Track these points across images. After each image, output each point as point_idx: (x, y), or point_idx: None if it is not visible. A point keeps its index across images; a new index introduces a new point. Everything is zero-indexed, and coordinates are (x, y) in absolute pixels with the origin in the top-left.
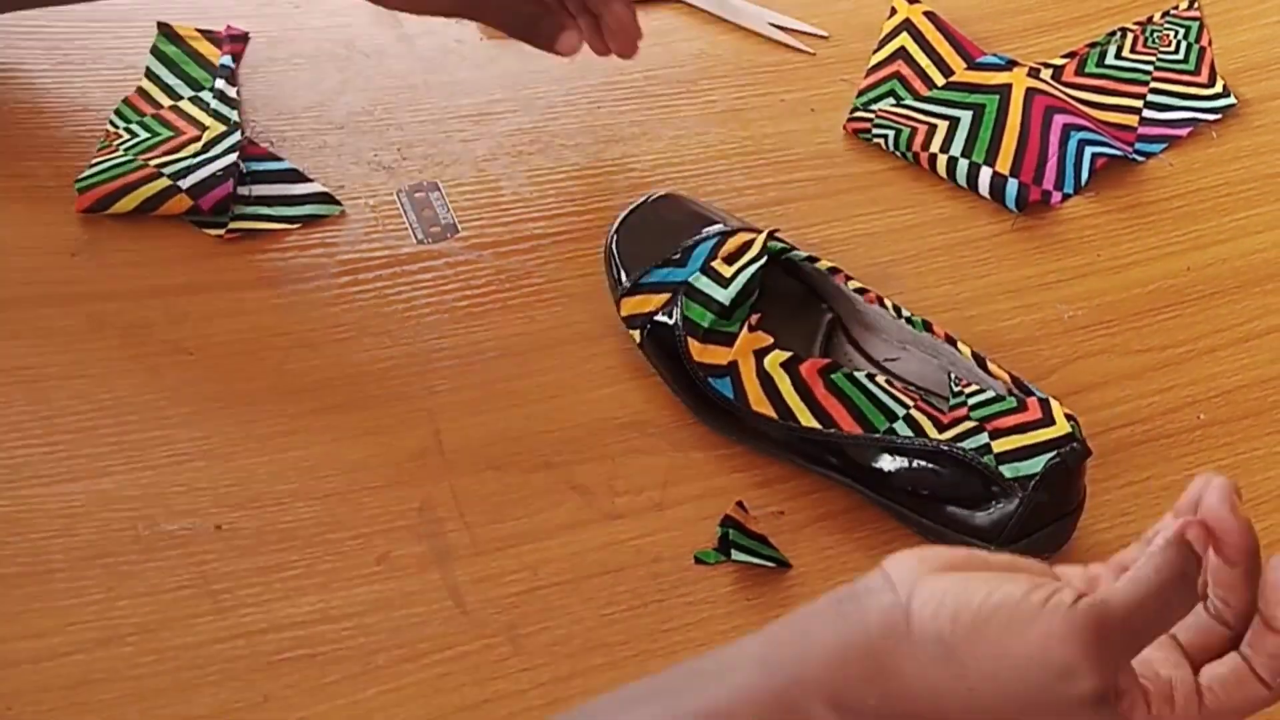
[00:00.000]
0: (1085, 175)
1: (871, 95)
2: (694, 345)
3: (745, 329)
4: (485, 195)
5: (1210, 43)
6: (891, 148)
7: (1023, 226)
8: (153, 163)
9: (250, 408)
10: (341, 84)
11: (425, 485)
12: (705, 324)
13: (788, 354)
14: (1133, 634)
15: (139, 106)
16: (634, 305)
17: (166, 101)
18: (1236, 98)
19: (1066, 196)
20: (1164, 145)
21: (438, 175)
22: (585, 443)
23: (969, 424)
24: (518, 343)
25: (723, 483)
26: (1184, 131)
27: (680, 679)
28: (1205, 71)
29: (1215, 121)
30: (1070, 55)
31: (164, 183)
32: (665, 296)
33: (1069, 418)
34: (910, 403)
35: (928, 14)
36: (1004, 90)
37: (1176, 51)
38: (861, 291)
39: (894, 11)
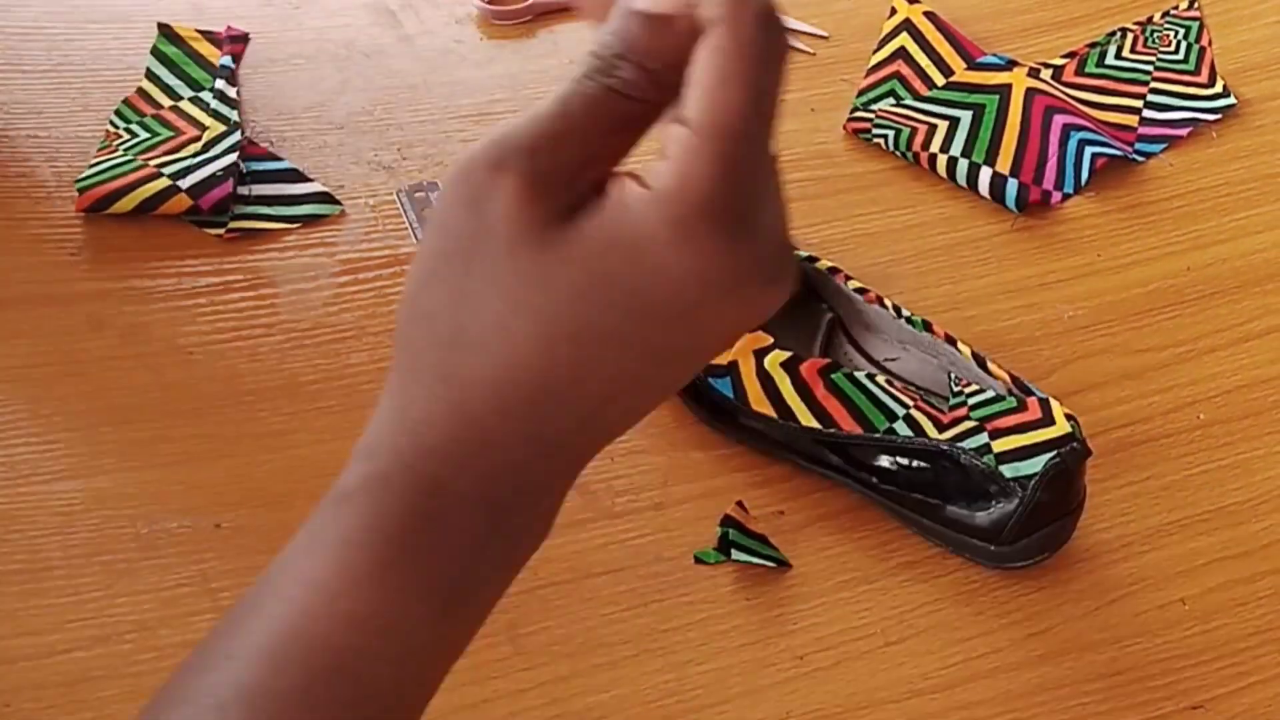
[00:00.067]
0: (1085, 175)
1: (871, 95)
2: None
3: None
4: None
5: (1210, 43)
6: (891, 148)
7: (1023, 226)
8: (153, 163)
9: (250, 406)
10: (341, 84)
11: None
12: None
13: (788, 354)
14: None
15: (139, 107)
16: None
17: (167, 102)
18: (1236, 98)
19: (1066, 196)
20: (1164, 145)
21: (438, 175)
22: None
23: (969, 424)
24: None
25: (723, 483)
26: (1184, 131)
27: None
28: (1205, 71)
29: (1215, 121)
30: (1070, 55)
31: (164, 182)
32: None
33: (1069, 418)
34: (910, 402)
35: (928, 14)
36: (1004, 90)
37: (1176, 51)
38: (861, 291)
39: (894, 11)
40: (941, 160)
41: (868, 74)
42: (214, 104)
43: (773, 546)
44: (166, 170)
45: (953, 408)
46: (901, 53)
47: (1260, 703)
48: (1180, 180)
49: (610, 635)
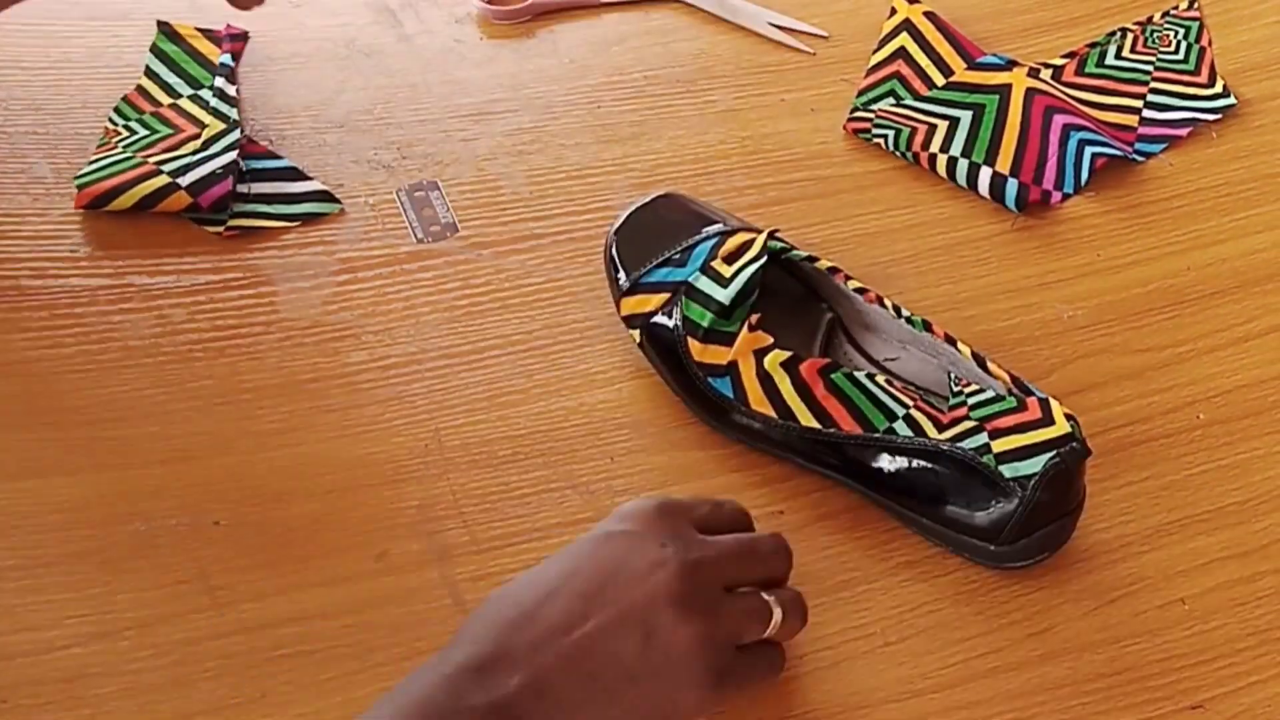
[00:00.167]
0: (1085, 175)
1: (871, 95)
2: (694, 345)
3: (745, 329)
4: (485, 194)
5: (1210, 43)
6: (891, 148)
7: (1023, 226)
8: (152, 160)
9: (249, 404)
10: (341, 83)
11: (424, 483)
12: (705, 324)
13: (787, 354)
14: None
15: (138, 104)
16: (634, 305)
17: (166, 99)
18: (1236, 98)
19: (1066, 196)
20: (1164, 145)
21: (437, 174)
22: (585, 442)
23: (969, 424)
24: (517, 342)
25: (722, 482)
26: (1184, 131)
27: None
28: (1205, 71)
29: (1215, 121)
30: (1070, 55)
31: (163, 180)
32: (665, 296)
33: (1069, 417)
34: (910, 402)
35: (928, 14)
36: (1004, 90)
37: (1176, 51)
38: (861, 291)
39: (894, 11)
40: (941, 160)
41: (868, 74)
42: (213, 102)
43: None
44: (166, 168)
45: (952, 408)
46: (901, 53)
47: (1260, 703)
48: (1180, 180)
49: None
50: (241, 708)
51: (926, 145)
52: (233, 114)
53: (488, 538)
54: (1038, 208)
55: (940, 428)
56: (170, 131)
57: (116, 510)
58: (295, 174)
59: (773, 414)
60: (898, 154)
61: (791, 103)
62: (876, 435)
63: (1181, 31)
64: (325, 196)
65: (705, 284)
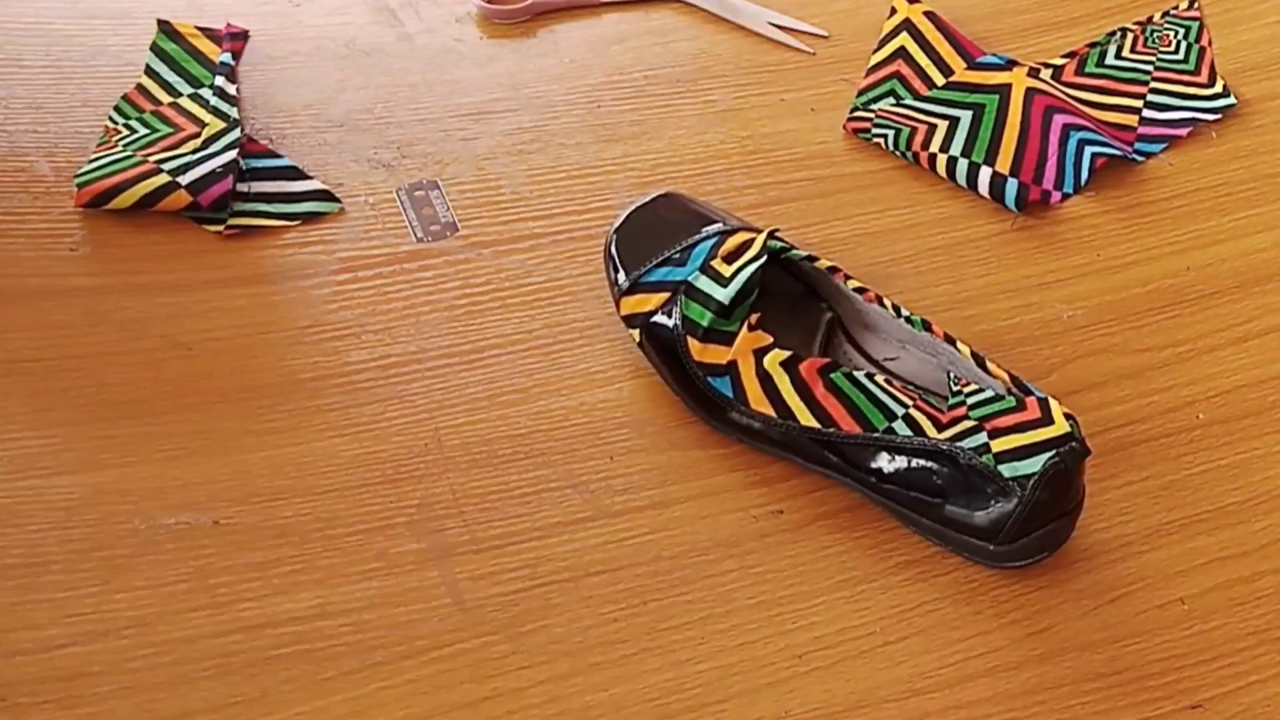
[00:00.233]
0: (1085, 175)
1: (871, 95)
2: (693, 344)
3: (745, 328)
4: (485, 194)
5: (1210, 43)
6: (891, 147)
7: (1023, 226)
8: (152, 159)
9: (249, 403)
10: (341, 82)
11: (424, 482)
12: (705, 323)
13: (787, 353)
14: None
15: (138, 103)
16: (633, 304)
17: (166, 98)
18: (1236, 98)
19: (1066, 196)
20: (1164, 145)
21: (437, 174)
22: (585, 441)
23: (968, 423)
24: (517, 341)
25: (722, 482)
26: (1184, 131)
27: None
28: (1205, 71)
29: (1215, 121)
30: (1070, 55)
31: (163, 179)
32: (665, 296)
33: (1068, 417)
34: (909, 402)
35: (928, 14)
36: (1004, 90)
37: (1176, 51)
38: (861, 291)
39: (894, 11)
40: (941, 160)
41: (868, 74)
42: (214, 101)
43: None
44: (166, 166)
45: (952, 407)
46: (901, 52)
47: (1259, 703)
48: (1180, 180)
49: (609, 634)
50: (241, 707)
51: (926, 145)
52: (233, 113)
53: (488, 537)
54: (1038, 208)
55: (940, 427)
56: (170, 130)
57: (116, 509)
58: (295, 173)
59: (772, 413)
60: (898, 154)
61: (791, 103)
62: (876, 435)
63: (1181, 31)
64: (325, 196)
65: (705, 283)
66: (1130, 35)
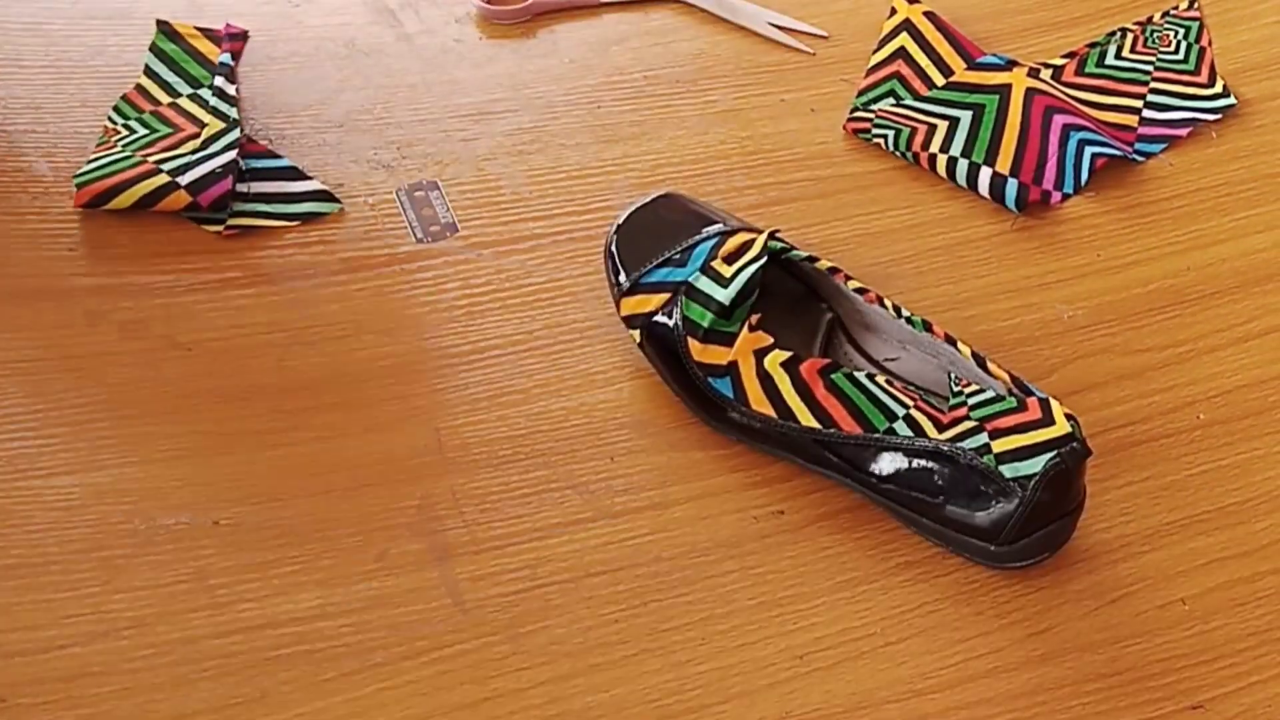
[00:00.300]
0: (1085, 175)
1: (871, 95)
2: (694, 345)
3: (745, 329)
4: (485, 194)
5: (1210, 43)
6: (891, 148)
7: (1023, 226)
8: (152, 159)
9: (248, 404)
10: (341, 82)
11: (425, 483)
12: (705, 324)
13: (787, 354)
14: None
15: (138, 103)
16: (634, 305)
17: (165, 98)
18: (1236, 98)
19: (1066, 196)
20: (1164, 145)
21: (437, 174)
22: (585, 442)
23: (969, 424)
24: (518, 342)
25: (722, 482)
26: (1184, 131)
27: None
28: (1205, 71)
29: (1215, 121)
30: (1070, 55)
31: (163, 179)
32: (665, 296)
33: (1069, 417)
34: (910, 402)
35: (928, 14)
36: (1004, 90)
37: (1176, 51)
38: (861, 291)
39: (894, 11)
40: (941, 160)
41: (868, 74)
42: (213, 101)
43: None
44: (165, 167)
45: (952, 408)
46: (901, 53)
47: (1260, 703)
48: (1180, 180)
49: (610, 635)
50: (241, 708)
51: (926, 145)
52: (232, 113)
53: (488, 538)
54: (1038, 208)
55: (940, 428)
56: (170, 130)
57: (115, 509)
58: (295, 173)
59: (773, 414)
60: (898, 154)
61: (791, 103)
62: (876, 435)
63: (1181, 31)
64: (325, 196)
65: (705, 284)
66: (1130, 35)
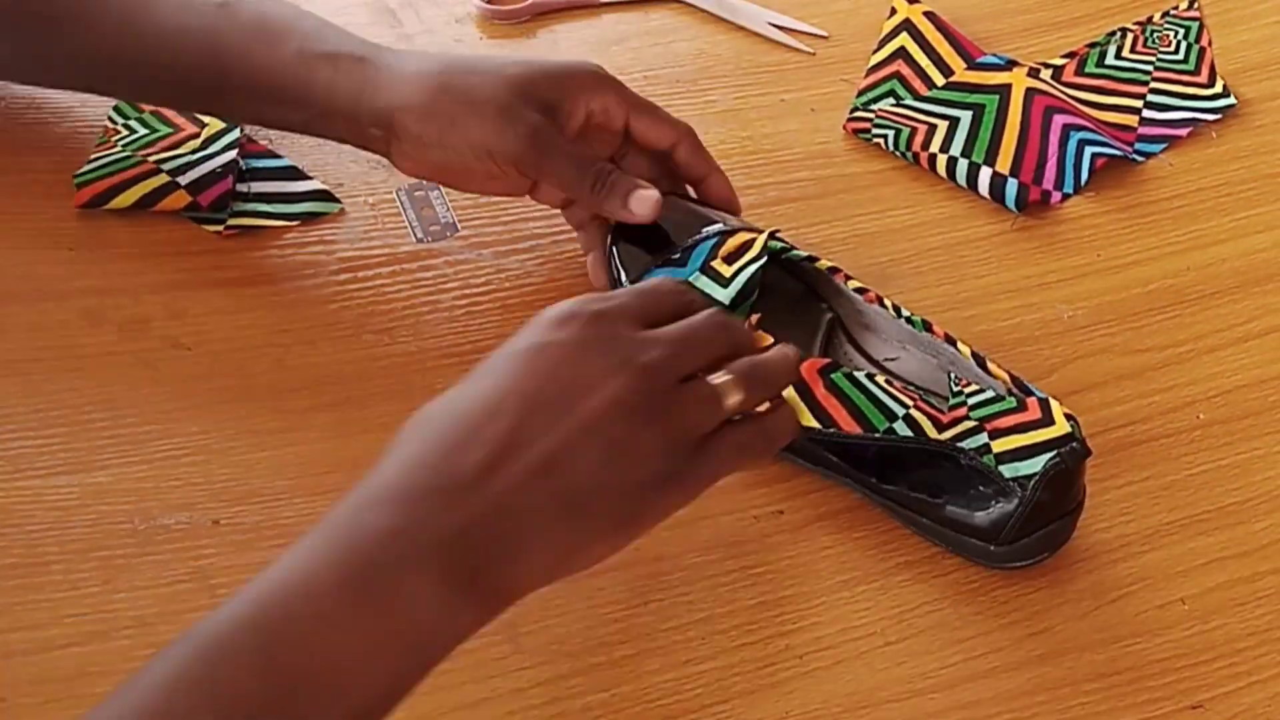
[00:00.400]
0: (1085, 175)
1: (871, 95)
2: None
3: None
4: None
5: (1210, 43)
6: (891, 148)
7: (1023, 226)
8: (152, 158)
9: (248, 403)
10: None
11: None
12: None
13: None
14: None
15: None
16: None
17: None
18: (1236, 98)
19: (1066, 196)
20: (1164, 145)
21: None
22: None
23: (969, 424)
24: None
25: (722, 482)
26: (1184, 131)
27: None
28: (1205, 71)
29: (1215, 121)
30: (1070, 55)
31: (163, 179)
32: None
33: (1069, 417)
34: (910, 402)
35: (928, 14)
36: (1004, 90)
37: (1176, 51)
38: (861, 291)
39: (894, 11)
40: (941, 160)
41: (868, 74)
42: None
43: None
44: (165, 166)
45: (952, 408)
46: (901, 53)
47: (1260, 703)
48: (1180, 180)
49: (610, 634)
50: None
51: (926, 145)
52: None
53: None
54: (1038, 208)
55: (940, 428)
56: (170, 130)
57: (115, 509)
58: (295, 173)
59: None
60: (898, 154)
61: (791, 103)
62: (876, 435)
63: (1181, 31)
64: (325, 196)
65: (705, 284)
66: (1130, 35)
